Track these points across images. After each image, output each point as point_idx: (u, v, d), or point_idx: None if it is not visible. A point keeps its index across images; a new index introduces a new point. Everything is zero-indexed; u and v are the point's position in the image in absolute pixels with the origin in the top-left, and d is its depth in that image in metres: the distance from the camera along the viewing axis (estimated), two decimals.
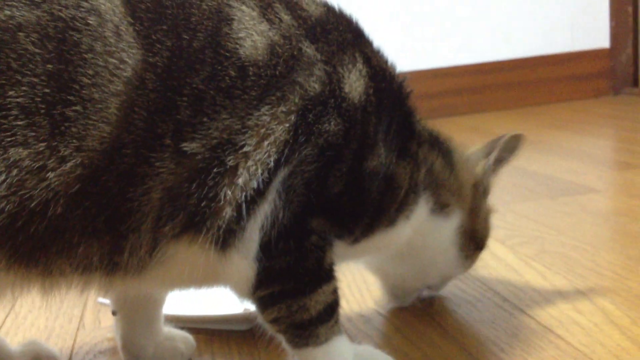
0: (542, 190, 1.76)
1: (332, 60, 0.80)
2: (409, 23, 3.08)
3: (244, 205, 0.75)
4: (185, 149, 0.71)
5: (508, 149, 1.03)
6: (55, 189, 0.67)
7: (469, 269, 1.06)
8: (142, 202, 0.71)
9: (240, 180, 0.73)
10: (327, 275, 0.84)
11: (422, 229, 0.94)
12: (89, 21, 0.68)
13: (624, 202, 1.70)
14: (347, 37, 0.84)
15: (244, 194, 0.74)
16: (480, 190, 1.01)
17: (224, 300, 1.06)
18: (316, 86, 0.78)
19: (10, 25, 0.66)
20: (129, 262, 0.74)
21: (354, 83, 0.81)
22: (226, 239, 0.76)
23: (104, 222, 0.70)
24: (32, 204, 0.67)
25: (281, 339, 0.84)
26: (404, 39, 3.04)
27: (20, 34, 0.66)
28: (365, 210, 0.84)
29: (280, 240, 0.78)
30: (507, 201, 1.67)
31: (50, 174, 0.66)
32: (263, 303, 0.82)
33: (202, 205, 0.73)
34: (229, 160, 0.73)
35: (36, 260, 0.70)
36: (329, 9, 0.86)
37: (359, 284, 1.22)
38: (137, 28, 0.70)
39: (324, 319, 0.83)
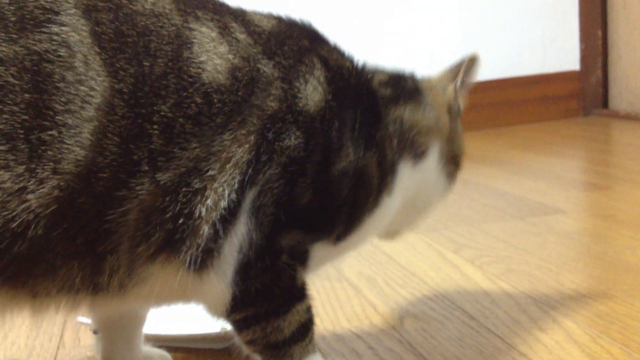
0: (511, 211, 1.81)
1: (288, 76, 0.83)
2: (380, 44, 3.14)
3: (218, 224, 0.78)
4: (159, 179, 0.74)
5: (470, 71, 1.06)
6: (35, 210, 0.70)
7: (452, 188, 1.08)
8: (119, 224, 0.74)
9: (209, 201, 0.77)
10: (300, 295, 0.87)
11: (411, 183, 0.96)
12: (60, 53, 0.72)
13: (589, 222, 1.76)
14: (303, 43, 0.87)
15: (214, 213, 0.77)
16: (454, 113, 1.04)
17: (201, 319, 1.09)
18: (273, 105, 0.81)
19: None
20: (110, 283, 0.77)
21: (311, 94, 0.84)
22: (204, 259, 0.79)
23: (83, 244, 0.73)
24: (14, 225, 0.70)
25: (257, 358, 0.88)
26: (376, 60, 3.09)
27: (1, 67, 0.70)
28: (340, 209, 0.87)
29: (258, 260, 0.81)
30: (478, 221, 1.72)
31: (30, 196, 0.69)
32: (238, 326, 0.86)
33: (179, 222, 0.76)
34: (195, 184, 0.76)
35: (23, 282, 0.73)
36: (280, 19, 0.89)
37: (332, 302, 1.26)
38: (103, 57, 0.73)
39: (297, 339, 0.86)
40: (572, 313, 1.13)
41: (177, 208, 0.76)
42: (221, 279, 0.81)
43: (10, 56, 0.70)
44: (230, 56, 0.80)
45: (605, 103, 3.34)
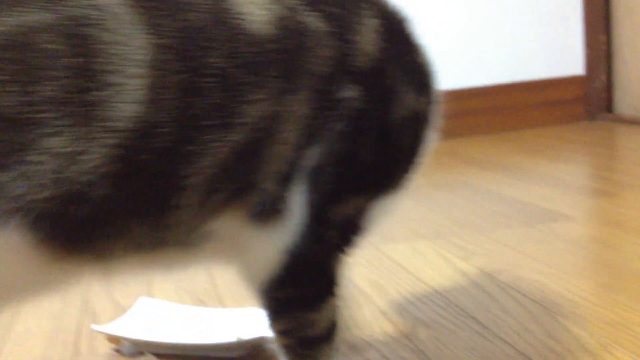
0: (518, 217, 1.82)
1: (343, 29, 0.79)
2: None
3: (286, 178, 0.77)
4: (227, 133, 0.73)
5: None
6: (95, 172, 0.69)
7: None
8: (190, 178, 0.73)
9: (275, 155, 0.76)
10: (334, 288, 0.87)
11: None
12: (94, 15, 0.71)
13: (597, 229, 1.77)
14: None
15: (279, 166, 0.76)
16: None
17: (217, 329, 1.11)
18: (325, 69, 0.77)
19: (25, 30, 0.70)
20: (176, 239, 0.76)
21: (368, 45, 0.80)
22: (273, 208, 0.78)
23: (150, 201, 0.73)
24: (74, 190, 0.69)
25: (282, 357, 0.88)
26: None
27: (40, 35, 0.69)
28: (402, 158, 0.85)
29: (315, 226, 0.80)
30: (484, 228, 1.73)
31: (86, 157, 0.69)
32: (276, 308, 0.85)
33: (250, 176, 0.75)
34: (263, 137, 0.75)
35: (90, 246, 0.73)
36: None
37: (343, 309, 1.27)
38: (139, 15, 0.72)
39: (328, 338, 0.87)
40: (582, 321, 1.14)
41: (248, 162, 0.75)
42: (282, 237, 0.80)
43: (48, 23, 0.70)
44: (273, 6, 0.77)
45: (610, 107, 3.35)
